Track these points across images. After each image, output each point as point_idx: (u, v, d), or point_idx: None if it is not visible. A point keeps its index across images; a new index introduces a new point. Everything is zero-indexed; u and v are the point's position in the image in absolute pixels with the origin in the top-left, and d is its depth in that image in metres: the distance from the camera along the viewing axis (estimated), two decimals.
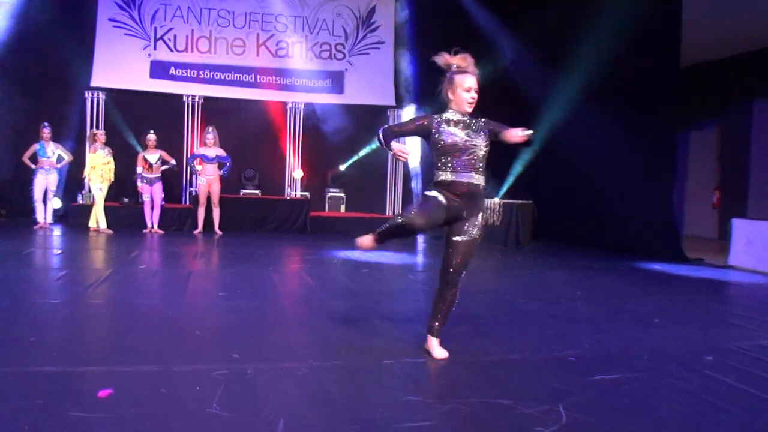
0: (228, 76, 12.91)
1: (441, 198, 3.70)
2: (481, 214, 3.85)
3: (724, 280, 7.78)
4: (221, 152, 10.63)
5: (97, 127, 11.11)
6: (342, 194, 13.12)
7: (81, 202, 11.55)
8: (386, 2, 13.51)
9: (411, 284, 6.61)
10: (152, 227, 10.65)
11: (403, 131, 3.90)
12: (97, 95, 12.29)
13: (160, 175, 10.67)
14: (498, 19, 12.21)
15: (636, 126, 9.76)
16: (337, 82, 13.38)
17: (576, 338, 4.41)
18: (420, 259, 9.01)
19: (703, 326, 5.03)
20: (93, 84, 12.26)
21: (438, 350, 3.82)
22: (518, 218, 10.34)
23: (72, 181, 11.68)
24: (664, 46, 9.29)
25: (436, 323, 3.88)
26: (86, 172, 10.54)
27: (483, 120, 3.84)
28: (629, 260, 9.02)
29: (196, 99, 12.70)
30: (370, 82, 13.30)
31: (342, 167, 13.21)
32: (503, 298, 5.91)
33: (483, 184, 3.82)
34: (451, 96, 3.81)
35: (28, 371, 3.23)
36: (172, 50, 12.75)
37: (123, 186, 11.23)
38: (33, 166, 10.55)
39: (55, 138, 10.73)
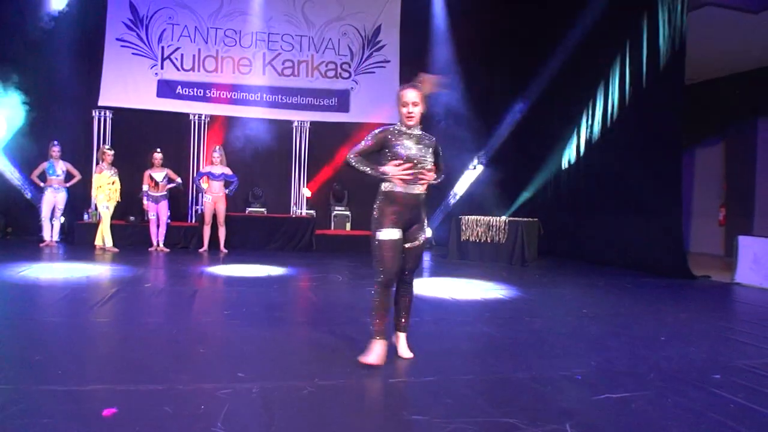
0: (234, 95, 13.00)
1: (391, 234, 3.99)
2: (426, 220, 4.20)
3: (730, 298, 7.74)
4: (228, 171, 10.67)
5: (105, 146, 11.15)
6: (347, 212, 13.13)
7: (87, 220, 11.59)
8: (391, 21, 13.61)
9: (414, 302, 6.58)
10: (158, 245, 10.67)
11: (366, 149, 4.06)
12: (105, 114, 12.38)
13: (166, 193, 10.71)
14: (499, 37, 12.30)
15: (641, 143, 9.77)
16: (343, 100, 13.45)
17: (582, 356, 4.39)
18: (425, 276, 8.99)
19: (711, 344, 5.00)
20: (101, 103, 12.36)
21: (405, 349, 4.16)
22: (523, 236, 10.32)
23: (79, 199, 11.73)
24: (668, 63, 9.31)
25: (403, 320, 4.23)
26: (93, 191, 10.62)
27: (434, 139, 4.17)
28: (635, 277, 8.99)
29: (203, 118, 12.78)
30: (376, 101, 13.34)
31: (336, 184, 13.20)
32: (508, 317, 5.88)
33: (425, 193, 4.13)
34: (398, 112, 4.09)
35: (34, 390, 3.23)
36: (179, 69, 12.85)
37: (129, 204, 11.27)
38: (42, 184, 10.62)
39: (64, 156, 10.81)
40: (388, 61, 13.59)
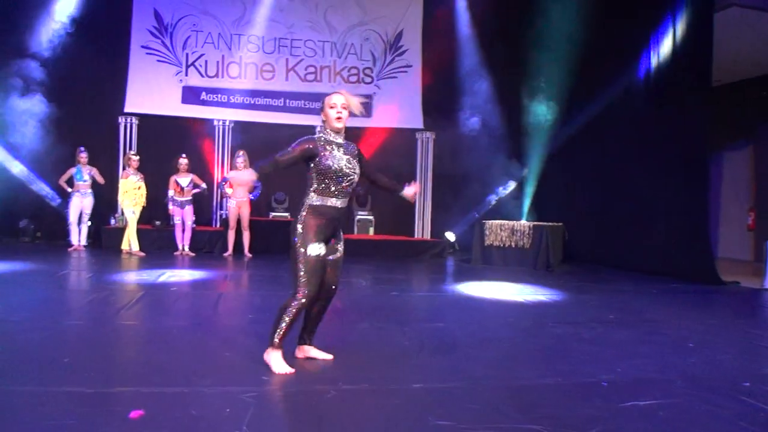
0: (258, 101, 13.09)
1: (318, 249, 3.84)
2: (341, 232, 4.09)
3: (760, 304, 7.61)
4: None
5: (131, 152, 11.30)
6: (370, 217, 13.15)
7: (114, 224, 11.74)
8: (413, 26, 13.62)
9: (439, 307, 6.57)
10: (183, 249, 10.77)
11: (290, 159, 3.90)
12: (131, 120, 12.54)
13: (191, 198, 10.81)
14: (520, 36, 12.23)
15: (668, 146, 9.64)
16: (365, 106, 13.44)
17: (608, 363, 4.33)
18: (448, 281, 8.96)
19: (740, 351, 4.92)
20: (126, 109, 12.53)
21: (321, 352, 4.14)
22: (548, 241, 10.24)
23: (105, 204, 11.88)
24: (695, 65, 9.20)
25: (311, 334, 4.19)
26: (119, 196, 10.77)
27: (357, 148, 4.09)
28: (662, 283, 8.87)
29: (227, 123, 12.89)
30: (399, 106, 13.38)
31: (360, 188, 13.24)
32: (533, 322, 5.84)
33: (347, 205, 4.07)
34: (323, 117, 4.03)
35: (62, 391, 3.28)
36: (203, 76, 12.99)
37: (155, 209, 11.40)
38: (69, 190, 10.78)
39: (90, 162, 10.96)
40: (410, 66, 13.60)
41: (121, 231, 10.91)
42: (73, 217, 10.77)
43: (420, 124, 13.41)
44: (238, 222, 10.74)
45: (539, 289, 8.09)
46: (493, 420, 3.12)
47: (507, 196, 12.60)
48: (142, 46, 12.73)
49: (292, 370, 3.76)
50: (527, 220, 11.63)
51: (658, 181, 9.79)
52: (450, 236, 13.06)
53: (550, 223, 10.74)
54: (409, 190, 4.34)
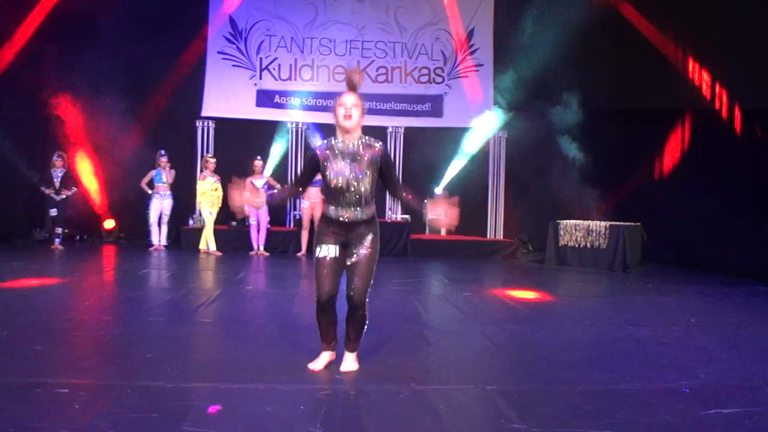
0: (330, 103, 13.22)
1: (329, 251, 3.78)
2: (370, 235, 3.83)
3: None
4: None
5: (208, 154, 11.62)
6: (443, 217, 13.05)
7: (192, 225, 12.11)
8: (485, 24, 13.48)
9: (513, 308, 6.48)
10: (258, 249, 11.01)
11: (302, 177, 4.06)
12: (207, 124, 12.90)
13: (266, 199, 11.01)
14: (596, 36, 11.94)
15: (755, 138, 9.19)
16: (436, 105, 13.44)
17: (690, 368, 4.17)
18: (522, 282, 8.82)
19: None
20: (203, 114, 12.92)
21: (347, 363, 3.91)
22: (625, 241, 9.94)
23: (184, 205, 12.28)
24: None
25: (353, 343, 3.95)
26: (197, 198, 11.11)
27: (380, 153, 3.81)
28: (748, 286, 8.46)
29: (300, 125, 13.09)
30: (470, 105, 13.27)
31: (437, 190, 13.19)
32: (610, 325, 5.69)
33: (369, 216, 3.83)
34: (333, 117, 3.84)
35: (145, 385, 3.40)
36: (276, 79, 13.24)
37: (231, 210, 11.66)
38: (149, 191, 11.19)
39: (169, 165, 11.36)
40: (482, 65, 13.47)
41: (198, 231, 11.24)
42: (153, 218, 11.18)
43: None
44: (312, 222, 10.90)
45: (616, 291, 7.88)
46: (568, 425, 3.06)
47: (581, 195, 12.29)
48: (218, 52, 13.09)
49: (317, 369, 3.82)
50: (603, 219, 11.33)
51: (745, 175, 9.35)
52: (523, 236, 12.88)
53: (628, 223, 10.42)
54: (435, 213, 3.93)
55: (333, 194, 3.76)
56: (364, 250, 3.79)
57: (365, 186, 3.74)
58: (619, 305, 6.84)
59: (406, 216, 12.91)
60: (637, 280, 8.89)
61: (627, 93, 11.94)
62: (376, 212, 3.91)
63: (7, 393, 3.17)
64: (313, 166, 3.84)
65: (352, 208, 3.75)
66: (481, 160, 13.13)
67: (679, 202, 10.93)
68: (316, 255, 3.81)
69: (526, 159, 12.39)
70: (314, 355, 4.00)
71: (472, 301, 6.85)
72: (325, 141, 3.87)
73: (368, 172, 3.76)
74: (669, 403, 3.45)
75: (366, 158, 3.76)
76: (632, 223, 10.53)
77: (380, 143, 3.86)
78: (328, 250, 3.77)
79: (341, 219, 3.76)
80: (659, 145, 11.45)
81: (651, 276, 9.41)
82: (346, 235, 3.79)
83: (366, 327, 3.94)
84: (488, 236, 13.12)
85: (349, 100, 3.76)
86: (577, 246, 10.38)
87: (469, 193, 13.13)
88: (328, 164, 3.75)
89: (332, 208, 3.79)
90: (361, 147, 3.78)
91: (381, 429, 2.95)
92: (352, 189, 3.72)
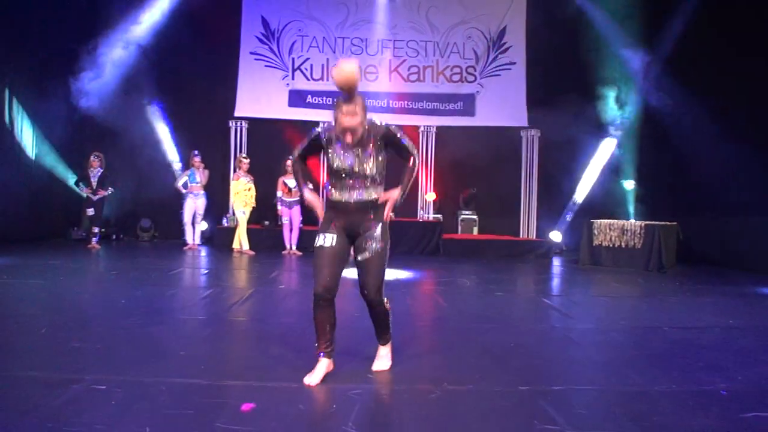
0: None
1: (328, 240, 3.59)
2: (379, 225, 3.64)
3: None
4: None
5: (241, 155, 11.73)
6: (475, 216, 13.02)
7: (226, 225, 12.23)
8: (517, 22, 13.38)
9: (546, 309, 6.41)
10: (291, 249, 11.07)
11: (305, 151, 3.81)
12: (241, 124, 13.02)
13: (298, 198, 11.09)
14: (632, 30, 11.77)
15: None
16: (468, 104, 13.38)
17: (728, 370, 4.07)
18: (555, 282, 8.74)
19: None
20: (237, 114, 13.05)
21: (379, 362, 3.84)
22: (661, 241, 9.78)
23: (217, 205, 12.42)
24: None
25: (383, 335, 3.89)
26: (230, 197, 11.24)
27: (383, 127, 3.61)
28: None
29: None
30: (502, 104, 13.19)
31: (473, 189, 13.15)
32: (646, 326, 5.59)
33: (375, 197, 3.63)
34: (333, 118, 3.59)
35: (179, 383, 3.43)
36: (308, 79, 13.32)
37: (264, 210, 11.79)
38: (184, 191, 11.33)
39: (203, 165, 11.49)
40: (514, 63, 13.38)
41: (232, 231, 11.35)
42: (187, 218, 11.32)
43: (525, 122, 13.15)
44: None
45: (652, 291, 7.75)
46: (603, 427, 3.01)
47: (617, 195, 12.12)
48: (251, 53, 13.21)
49: (311, 384, 3.50)
50: (638, 219, 11.17)
51: None
52: (556, 236, 12.75)
53: (663, 223, 10.25)
54: (386, 196, 3.68)
55: (338, 176, 3.60)
56: (375, 244, 3.62)
57: (370, 167, 3.59)
58: (655, 306, 6.72)
59: (438, 216, 12.88)
60: (673, 281, 8.73)
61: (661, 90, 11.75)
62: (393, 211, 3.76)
63: (46, 388, 3.22)
64: (317, 143, 3.69)
65: (358, 191, 3.59)
66: (513, 158, 13.03)
67: (718, 200, 10.72)
68: (315, 244, 3.64)
69: (561, 157, 12.25)
70: (346, 356, 4.00)
71: (504, 301, 6.79)
72: (328, 122, 3.69)
73: (374, 152, 3.60)
74: (706, 405, 3.37)
75: (371, 138, 3.59)
76: (668, 223, 10.35)
77: (384, 123, 3.65)
78: (325, 239, 3.59)
79: (347, 202, 3.59)
80: (698, 143, 11.24)
81: (687, 276, 9.24)
82: (353, 222, 3.62)
83: (390, 318, 3.83)
84: (521, 236, 13.02)
85: (350, 118, 3.49)
86: (611, 246, 10.24)
87: (502, 192, 13.08)
88: (332, 145, 3.60)
89: (337, 192, 3.62)
90: (365, 130, 3.58)
91: (413, 428, 2.94)
92: (357, 170, 3.57)
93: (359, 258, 3.65)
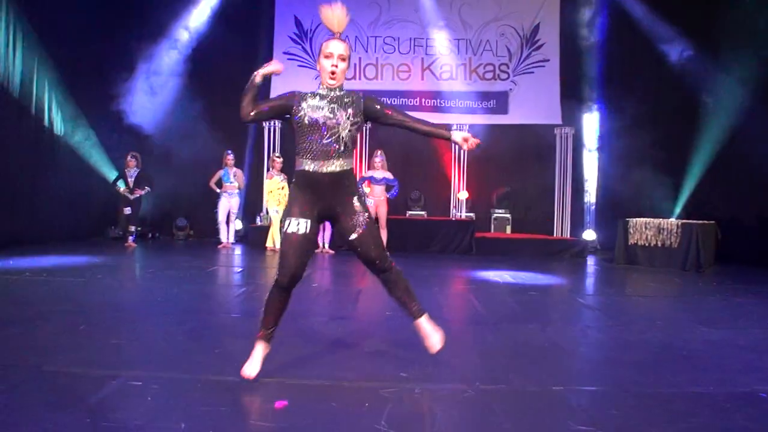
0: (394, 101, 13.25)
1: (299, 226, 3.37)
2: (355, 197, 3.46)
3: None
4: (389, 175, 10.87)
5: (275, 154, 11.82)
6: (508, 215, 12.94)
7: (259, 223, 12.34)
8: (551, 19, 13.24)
9: (580, 308, 6.34)
10: (323, 247, 11.12)
11: (263, 108, 3.51)
12: (274, 124, 13.11)
13: None
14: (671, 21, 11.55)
15: None
16: (501, 102, 13.29)
17: (767, 372, 3.99)
18: (590, 281, 8.63)
19: None
20: None
21: (430, 337, 3.63)
22: (698, 240, 9.60)
23: (251, 204, 12.54)
24: None
25: (412, 305, 3.63)
26: (264, 196, 11.34)
27: (362, 95, 3.43)
28: None
29: (366, 124, 13.13)
30: (536, 101, 13.07)
31: (507, 187, 13.07)
32: (683, 327, 5.49)
33: (348, 167, 3.41)
34: (318, 67, 3.46)
35: (213, 380, 3.47)
36: None
37: None
38: (218, 190, 11.46)
39: (237, 164, 11.61)
40: (548, 60, 13.24)
41: (266, 229, 11.44)
42: (221, 217, 11.45)
43: (558, 120, 13.01)
44: (376, 220, 10.93)
45: (689, 291, 7.62)
46: (638, 428, 2.96)
47: (655, 193, 11.91)
48: (284, 52, 13.30)
49: (249, 374, 3.43)
50: (676, 217, 10.98)
51: None
52: (590, 235, 12.60)
53: (701, 221, 10.05)
54: (458, 135, 3.45)
55: (307, 139, 3.36)
56: (361, 217, 3.46)
57: (346, 130, 3.36)
58: (692, 306, 6.60)
59: (471, 214, 12.82)
60: (712, 281, 8.57)
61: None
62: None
63: (83, 384, 3.29)
64: (283, 105, 3.47)
65: (332, 158, 3.35)
66: (547, 156, 12.92)
67: (757, 198, 10.48)
68: (284, 229, 3.41)
69: (593, 155, 12.10)
70: (378, 355, 4.00)
71: (537, 300, 6.73)
72: (300, 91, 3.51)
73: (350, 115, 3.38)
74: (745, 407, 3.30)
75: (346, 100, 3.40)
76: (706, 221, 10.16)
77: (360, 94, 3.48)
78: (297, 225, 3.36)
79: (320, 172, 3.35)
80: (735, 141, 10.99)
81: (726, 276, 9.06)
82: (327, 199, 3.42)
83: (407, 278, 3.66)
84: (555, 235, 12.90)
85: (337, 49, 3.42)
86: (647, 245, 10.09)
87: (535, 191, 12.97)
88: (303, 104, 3.38)
89: (308, 161, 3.36)
90: (343, 94, 3.43)
91: (446, 428, 2.93)
92: (331, 131, 3.34)
93: (352, 237, 3.50)
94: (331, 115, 3.34)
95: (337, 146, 3.36)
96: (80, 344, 4.16)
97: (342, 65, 3.40)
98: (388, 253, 3.62)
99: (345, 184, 3.44)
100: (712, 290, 7.74)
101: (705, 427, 2.99)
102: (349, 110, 3.38)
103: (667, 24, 11.78)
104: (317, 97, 3.41)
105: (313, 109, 3.36)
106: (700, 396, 3.47)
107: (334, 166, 3.37)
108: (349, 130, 3.38)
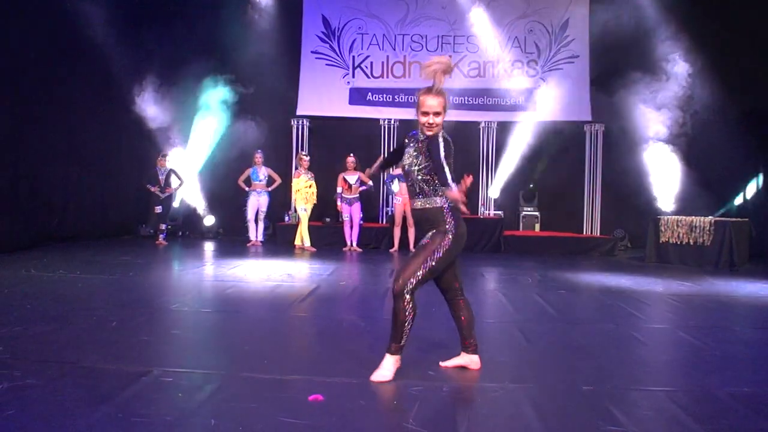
0: None
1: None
2: (433, 230, 3.56)
3: None
4: None
5: (302, 152, 11.88)
6: (536, 213, 12.85)
7: (288, 221, 12.41)
8: (580, 14, 13.09)
9: (611, 307, 6.27)
10: (351, 245, 11.15)
11: (391, 156, 4.03)
12: (302, 122, 13.19)
13: (358, 195, 11.15)
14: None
15: None
16: (530, 99, 13.18)
17: None
18: (620, 280, 8.52)
19: None
20: (298, 112, 13.24)
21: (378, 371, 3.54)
22: (732, 237, 9.43)
23: (279, 202, 12.62)
24: None
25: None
26: (292, 195, 11.41)
27: (431, 137, 3.50)
28: None
29: (392, 122, 13.16)
30: (564, 98, 12.92)
31: (532, 185, 12.98)
32: (717, 326, 5.40)
33: (429, 206, 3.56)
34: (416, 115, 3.61)
35: (243, 376, 3.50)
36: (369, 77, 13.37)
37: (325, 206, 11.92)
38: (247, 189, 11.55)
39: (266, 163, 11.68)
40: (577, 56, 13.11)
41: (294, 227, 11.50)
42: (250, 215, 11.55)
43: (588, 116, 12.88)
44: (404, 219, 10.93)
45: (722, 290, 7.48)
46: (668, 429, 2.94)
47: (686, 192, 11.70)
48: (312, 52, 13.36)
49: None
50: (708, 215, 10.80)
51: None
52: (619, 233, 12.45)
53: (734, 219, 9.86)
54: (451, 193, 3.39)
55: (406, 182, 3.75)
56: (423, 241, 3.58)
57: (416, 173, 3.58)
58: (726, 305, 6.49)
59: (499, 212, 12.76)
60: (745, 279, 8.41)
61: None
62: (451, 213, 3.54)
63: (115, 380, 3.34)
64: (400, 146, 3.82)
65: (414, 197, 3.65)
66: (577, 153, 12.79)
67: None
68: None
69: (626, 152, 11.93)
70: (407, 353, 4.00)
71: (566, 299, 6.67)
72: (413, 133, 3.72)
73: (422, 159, 3.55)
74: None
75: (422, 145, 3.56)
76: (739, 219, 9.97)
77: (442, 132, 3.54)
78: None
79: (412, 209, 3.71)
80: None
81: (760, 275, 8.89)
82: (420, 230, 3.68)
83: (407, 325, 3.52)
84: (585, 232, 12.77)
85: (433, 107, 3.54)
86: (679, 243, 9.95)
87: (565, 188, 12.85)
88: (405, 152, 3.73)
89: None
90: (425, 138, 3.56)
91: (474, 426, 2.92)
92: (410, 177, 3.65)
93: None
94: (410, 161, 3.66)
95: (413, 186, 3.66)
96: (112, 341, 4.22)
97: (437, 120, 3.54)
98: (408, 296, 3.49)
99: (425, 220, 3.63)
100: (747, 289, 7.60)
101: (737, 429, 2.94)
102: (423, 156, 3.58)
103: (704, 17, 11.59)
104: (411, 145, 3.69)
105: (406, 157, 3.71)
106: (732, 397, 3.41)
107: (415, 204, 3.66)
108: (421, 173, 3.59)
